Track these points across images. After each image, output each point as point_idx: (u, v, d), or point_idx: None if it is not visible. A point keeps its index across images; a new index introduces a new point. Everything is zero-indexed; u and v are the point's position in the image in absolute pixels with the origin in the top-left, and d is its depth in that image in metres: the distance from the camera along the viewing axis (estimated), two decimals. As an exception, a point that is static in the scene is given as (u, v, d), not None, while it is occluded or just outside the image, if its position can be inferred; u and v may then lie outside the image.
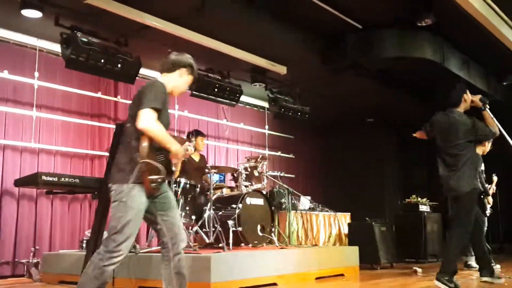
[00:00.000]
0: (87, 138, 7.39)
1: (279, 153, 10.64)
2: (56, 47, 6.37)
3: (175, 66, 3.31)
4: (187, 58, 3.37)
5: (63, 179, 4.96)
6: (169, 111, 8.24)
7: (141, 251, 5.25)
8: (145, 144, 2.99)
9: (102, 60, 6.23)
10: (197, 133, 6.76)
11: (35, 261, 6.34)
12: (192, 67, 3.36)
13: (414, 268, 6.80)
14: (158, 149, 3.09)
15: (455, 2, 6.17)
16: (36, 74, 6.68)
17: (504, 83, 9.40)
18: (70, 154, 7.18)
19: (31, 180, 5.13)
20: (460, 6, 6.27)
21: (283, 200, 7.81)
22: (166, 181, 3.26)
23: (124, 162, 3.08)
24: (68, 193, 5.34)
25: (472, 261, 6.87)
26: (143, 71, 7.12)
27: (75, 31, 6.06)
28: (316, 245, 7.20)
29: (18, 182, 5.50)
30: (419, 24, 6.85)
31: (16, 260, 6.41)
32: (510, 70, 8.98)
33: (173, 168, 3.21)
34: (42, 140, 6.80)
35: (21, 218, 6.54)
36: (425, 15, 6.64)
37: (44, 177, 4.87)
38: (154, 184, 3.01)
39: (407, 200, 8.92)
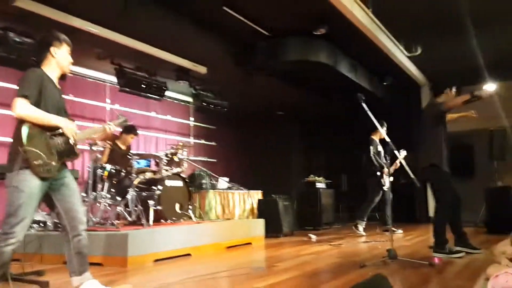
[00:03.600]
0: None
1: (202, 141, 10.40)
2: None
3: (44, 50, 2.92)
4: (47, 36, 2.94)
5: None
6: (100, 104, 7.95)
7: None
8: (24, 131, 2.67)
9: (34, 58, 5.69)
10: (128, 130, 6.21)
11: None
12: (58, 39, 2.93)
13: (309, 235, 6.87)
14: (56, 134, 2.78)
15: (343, 15, 6.18)
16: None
17: (384, 83, 9.68)
18: (6, 143, 6.56)
19: None
20: (347, 18, 6.28)
21: (203, 181, 7.64)
22: (63, 165, 2.92)
23: (11, 152, 2.74)
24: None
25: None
26: (75, 68, 6.62)
27: (7, 31, 5.50)
28: (229, 219, 7.06)
29: None
30: (315, 33, 6.87)
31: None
32: (389, 72, 9.23)
33: (71, 148, 2.85)
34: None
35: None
36: (320, 25, 6.66)
37: None
38: (41, 168, 2.69)
39: (307, 179, 9.02)
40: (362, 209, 7.14)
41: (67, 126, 2.82)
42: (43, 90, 2.78)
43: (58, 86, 2.97)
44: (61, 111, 2.93)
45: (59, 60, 2.93)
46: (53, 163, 2.76)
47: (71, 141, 2.84)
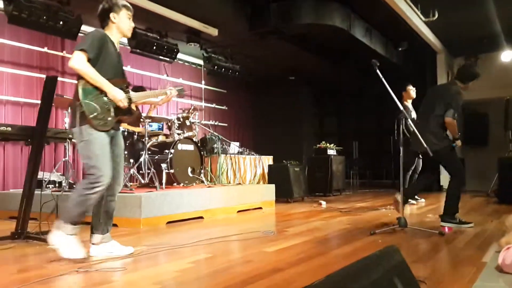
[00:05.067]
0: (36, 89, 6.81)
1: (214, 105, 10.37)
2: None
3: (105, 17, 3.00)
4: (107, 2, 3.01)
5: (-7, 127, 4.46)
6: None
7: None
8: (80, 86, 2.78)
9: (44, 17, 5.64)
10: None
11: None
12: (116, 5, 3.01)
13: (320, 201, 6.90)
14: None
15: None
16: (-18, 29, 5.97)
17: (399, 49, 9.46)
18: (21, 103, 6.61)
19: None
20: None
21: (214, 146, 7.62)
22: (118, 127, 3.06)
23: (72, 107, 2.87)
24: (2, 140, 4.89)
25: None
26: (85, 28, 6.53)
27: (18, -11, 5.41)
28: (240, 183, 7.12)
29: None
30: (329, -5, 6.66)
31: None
32: (404, 38, 9.01)
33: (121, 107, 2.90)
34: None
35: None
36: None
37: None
38: (97, 121, 2.78)
39: (318, 145, 8.99)
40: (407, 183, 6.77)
41: (114, 95, 2.87)
42: (104, 51, 2.87)
43: (118, 50, 3.06)
44: (118, 74, 3.02)
45: (119, 25, 3.01)
46: (109, 118, 2.86)
47: (121, 105, 2.89)
